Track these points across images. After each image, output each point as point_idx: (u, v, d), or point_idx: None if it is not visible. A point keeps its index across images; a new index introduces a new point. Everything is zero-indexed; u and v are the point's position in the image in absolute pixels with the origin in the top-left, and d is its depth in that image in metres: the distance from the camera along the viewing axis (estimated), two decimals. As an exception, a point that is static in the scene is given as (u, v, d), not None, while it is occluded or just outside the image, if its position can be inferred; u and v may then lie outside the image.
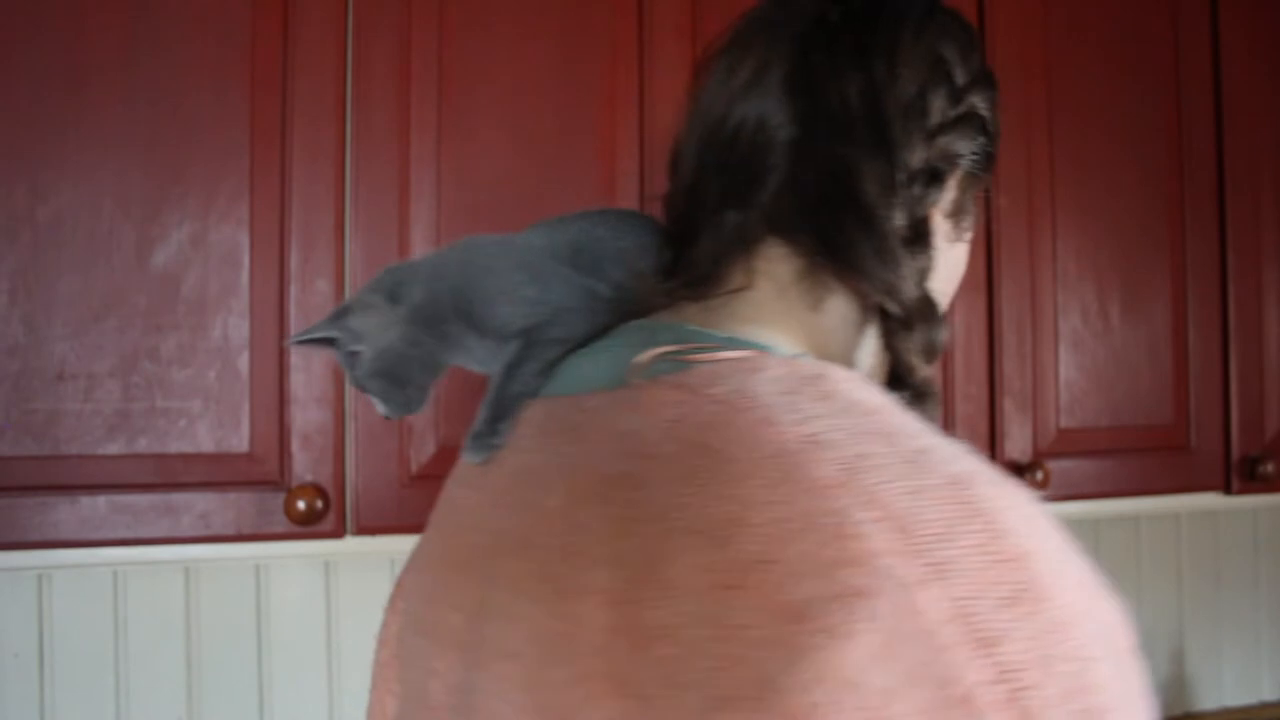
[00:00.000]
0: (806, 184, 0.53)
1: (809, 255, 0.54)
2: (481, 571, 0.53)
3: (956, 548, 0.37)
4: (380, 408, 0.63)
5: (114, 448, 0.97)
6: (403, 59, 1.06)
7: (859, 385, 0.46)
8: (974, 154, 0.57)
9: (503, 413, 0.59)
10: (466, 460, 0.59)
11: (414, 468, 1.05)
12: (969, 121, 0.56)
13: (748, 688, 0.36)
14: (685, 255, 0.57)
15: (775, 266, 0.55)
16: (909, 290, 0.53)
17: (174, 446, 0.99)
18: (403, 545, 1.27)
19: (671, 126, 0.62)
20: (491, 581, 0.51)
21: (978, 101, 0.57)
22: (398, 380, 0.62)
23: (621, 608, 0.41)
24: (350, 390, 1.04)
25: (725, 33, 0.60)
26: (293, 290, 1.02)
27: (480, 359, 0.63)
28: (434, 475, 1.05)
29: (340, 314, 0.61)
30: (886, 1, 0.57)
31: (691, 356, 0.48)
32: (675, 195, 0.60)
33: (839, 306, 0.55)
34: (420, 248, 1.06)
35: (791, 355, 0.51)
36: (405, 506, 1.05)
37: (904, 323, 0.54)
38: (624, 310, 0.59)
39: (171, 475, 0.99)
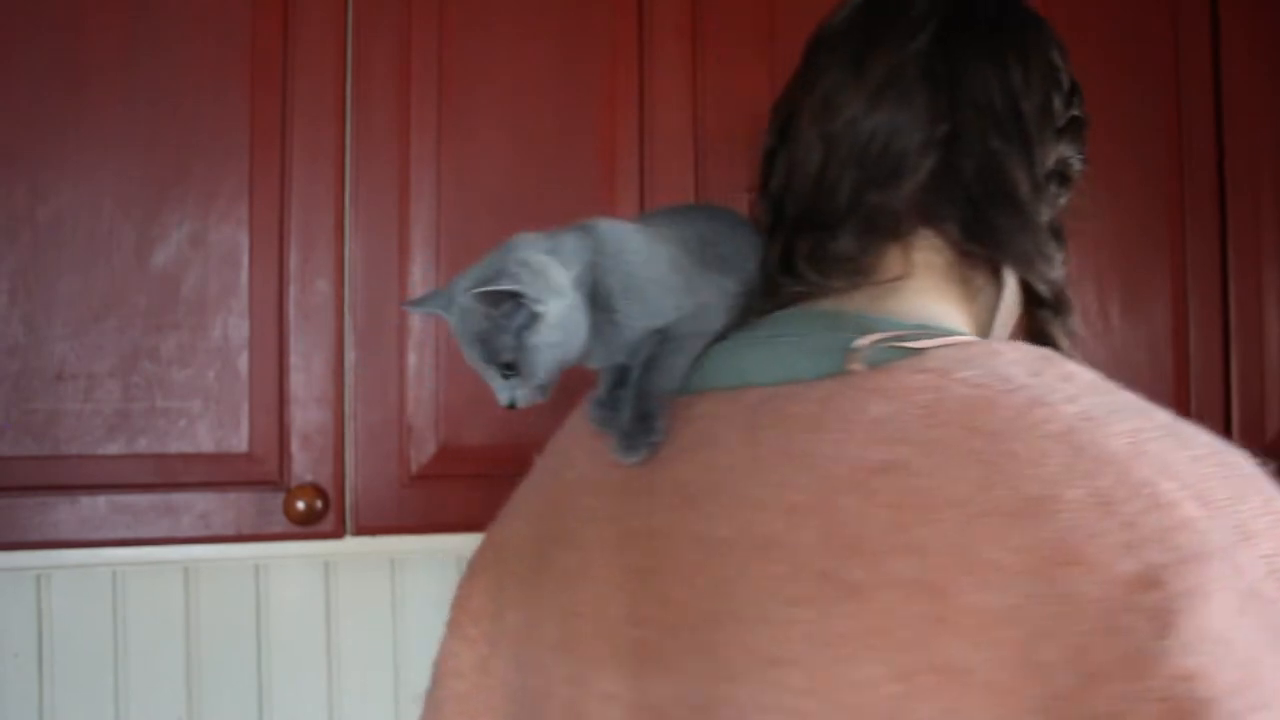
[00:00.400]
0: (961, 178, 0.55)
1: (961, 245, 0.56)
2: (689, 579, 0.50)
3: (1245, 510, 0.40)
4: (510, 394, 0.57)
5: (114, 448, 0.97)
6: (403, 59, 1.05)
7: (1078, 364, 0.48)
8: (1080, 156, 0.59)
9: (656, 409, 0.56)
10: (623, 461, 0.55)
11: (414, 468, 1.05)
12: (1077, 125, 0.59)
13: (1122, 658, 0.37)
14: (824, 246, 0.56)
15: (931, 256, 0.56)
16: (1060, 279, 0.57)
17: (174, 446, 0.99)
18: (402, 546, 1.28)
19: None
20: (717, 589, 0.48)
21: (1077, 106, 0.59)
22: (567, 351, 0.57)
23: (937, 596, 0.41)
24: (350, 390, 1.04)
25: (830, 26, 0.61)
26: (292, 290, 1.02)
27: (609, 351, 0.60)
28: (434, 475, 1.05)
29: (516, 271, 0.55)
30: (1007, 7, 0.60)
31: (911, 343, 0.49)
32: (794, 189, 0.59)
33: (986, 296, 0.58)
34: (420, 248, 1.06)
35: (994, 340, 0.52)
36: (405, 507, 1.05)
37: (1055, 309, 0.58)
38: (761, 302, 0.58)
39: (171, 475, 0.98)
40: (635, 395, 0.57)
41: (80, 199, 0.97)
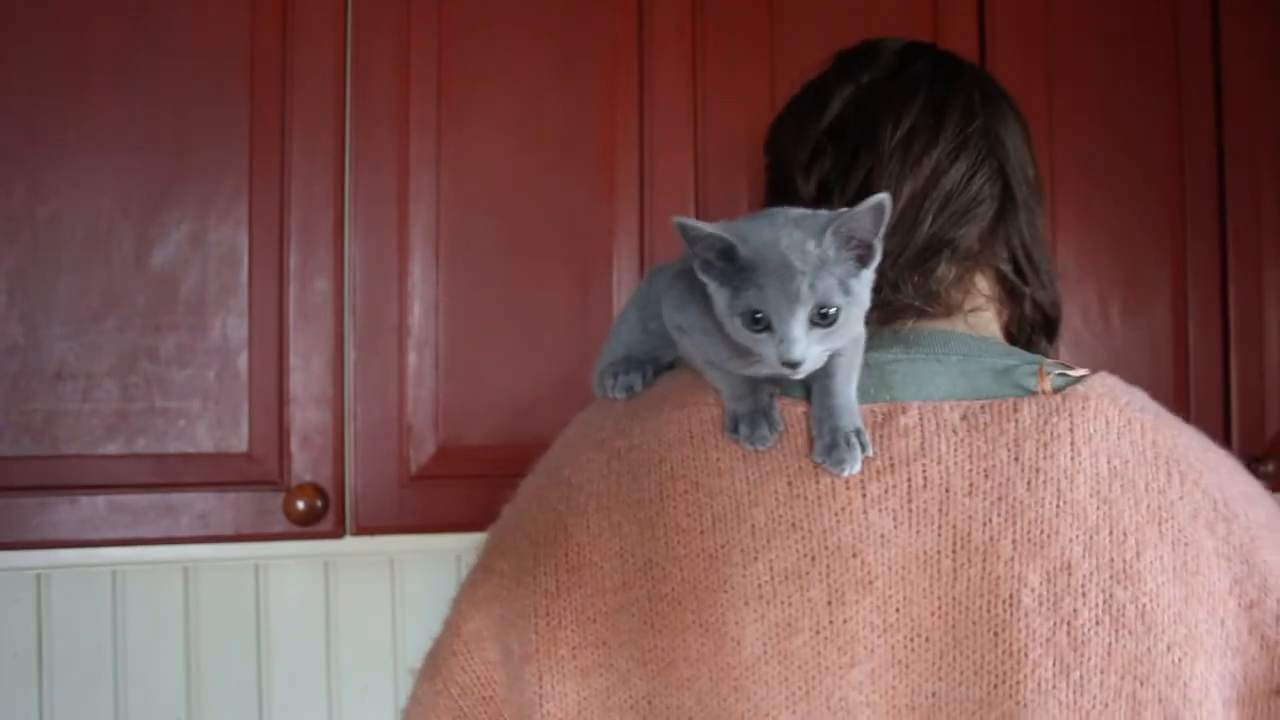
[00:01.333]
0: (1015, 225, 0.66)
1: (1007, 280, 0.67)
2: (946, 584, 0.54)
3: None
4: (810, 348, 0.53)
5: (113, 447, 0.97)
6: (403, 59, 1.05)
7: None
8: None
9: (859, 422, 0.56)
10: (838, 474, 0.55)
11: (413, 468, 1.05)
12: None
13: None
14: (918, 276, 0.63)
15: (991, 289, 0.67)
16: (1062, 308, 0.71)
17: (173, 446, 0.99)
18: (402, 545, 1.28)
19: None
20: (993, 587, 0.54)
21: None
22: (859, 324, 0.57)
23: (1187, 579, 0.54)
24: (350, 390, 1.04)
25: (874, 66, 0.68)
26: (292, 290, 1.02)
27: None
28: (433, 476, 1.05)
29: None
30: (1003, 90, 0.70)
31: (1071, 372, 0.59)
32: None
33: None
34: (420, 248, 1.05)
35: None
36: (404, 507, 1.05)
37: (1054, 331, 0.71)
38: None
39: (170, 475, 0.98)
40: (828, 410, 0.56)
41: (79, 199, 0.97)
